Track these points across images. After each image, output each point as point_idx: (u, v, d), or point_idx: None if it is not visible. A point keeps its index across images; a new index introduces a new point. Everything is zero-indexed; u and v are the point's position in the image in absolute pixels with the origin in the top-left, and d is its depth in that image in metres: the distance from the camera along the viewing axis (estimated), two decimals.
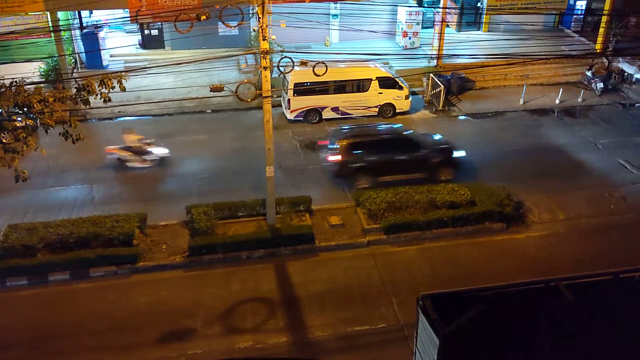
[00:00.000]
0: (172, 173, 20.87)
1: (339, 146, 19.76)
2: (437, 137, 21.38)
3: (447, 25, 28.94)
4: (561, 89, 27.01)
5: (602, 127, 24.71)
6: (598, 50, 29.98)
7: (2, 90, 13.25)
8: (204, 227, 16.84)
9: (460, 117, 25.66)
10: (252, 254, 16.66)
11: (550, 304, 9.04)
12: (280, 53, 16.28)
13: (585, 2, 33.35)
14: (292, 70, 15.91)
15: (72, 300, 15.17)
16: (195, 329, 14.29)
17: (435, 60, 28.15)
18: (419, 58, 28.33)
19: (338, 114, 24.59)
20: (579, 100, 26.83)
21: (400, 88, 24.81)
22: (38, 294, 15.37)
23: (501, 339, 8.87)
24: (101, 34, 28.45)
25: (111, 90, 13.33)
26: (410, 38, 30.72)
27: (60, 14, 25.85)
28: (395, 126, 21.51)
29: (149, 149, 20.97)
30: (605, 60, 28.91)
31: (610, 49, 29.70)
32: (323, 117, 24.49)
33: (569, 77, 28.81)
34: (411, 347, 11.40)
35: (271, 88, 15.98)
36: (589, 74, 28.14)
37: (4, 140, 15.92)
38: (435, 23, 29.82)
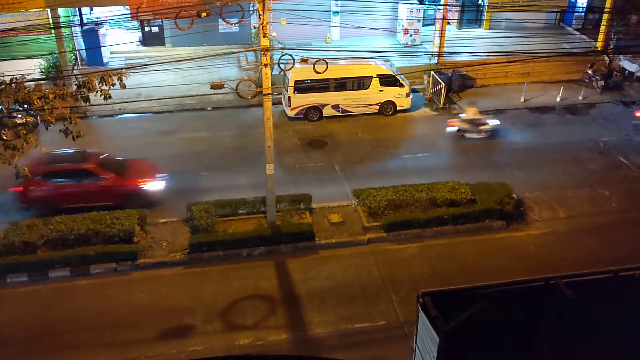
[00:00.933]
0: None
1: None
2: None
3: (448, 23, 28.88)
4: (562, 87, 26.97)
5: (603, 125, 24.68)
6: (599, 48, 29.95)
7: (3, 87, 13.25)
8: (204, 225, 16.84)
9: (461, 115, 25.59)
10: (252, 252, 16.67)
11: (550, 302, 9.03)
12: (281, 50, 16.29)
13: None
14: (292, 67, 15.89)
15: (72, 297, 15.18)
16: (195, 326, 14.30)
17: (436, 58, 28.11)
18: (419, 55, 28.28)
19: (338, 111, 24.58)
20: (580, 98, 26.80)
21: (401, 86, 24.78)
22: (38, 290, 15.38)
23: (501, 336, 8.86)
24: (101, 31, 28.43)
25: (111, 87, 13.33)
26: (411, 35, 30.68)
27: (61, 11, 25.82)
28: None
29: (486, 121, 22.75)
30: (606, 58, 28.86)
31: (612, 46, 29.66)
32: (323, 115, 24.47)
33: (570, 75, 28.75)
34: (411, 344, 11.40)
35: (272, 85, 15.96)
36: (590, 71, 28.10)
37: (4, 137, 15.94)
38: (436, 20, 29.76)
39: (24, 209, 17.99)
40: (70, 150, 18.61)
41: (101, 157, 18.57)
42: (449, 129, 23.18)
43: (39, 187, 17.79)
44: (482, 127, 23.05)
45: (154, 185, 18.56)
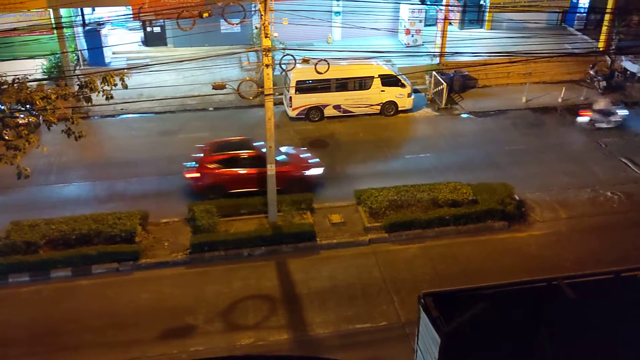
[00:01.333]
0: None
1: None
2: None
3: (450, 23, 28.87)
4: (564, 87, 26.95)
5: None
6: (601, 49, 29.90)
7: (5, 87, 13.27)
8: (206, 225, 16.85)
9: (463, 116, 25.63)
10: (253, 252, 16.68)
11: (551, 303, 9.03)
12: (282, 50, 16.29)
13: (588, 0, 33.25)
14: (294, 67, 15.90)
15: (73, 297, 15.20)
16: (196, 326, 14.31)
17: (437, 58, 28.10)
18: (421, 56, 28.28)
19: (340, 112, 24.57)
20: (582, 98, 26.77)
21: (403, 86, 24.77)
22: (40, 290, 15.40)
23: (502, 337, 8.87)
24: (104, 31, 28.46)
25: (113, 87, 13.36)
26: (412, 35, 30.67)
27: (63, 11, 25.84)
28: None
29: (616, 111, 23.38)
30: (608, 58, 28.82)
31: (613, 47, 29.61)
32: (325, 115, 24.48)
33: (572, 76, 28.74)
34: (412, 345, 11.40)
35: (273, 86, 15.97)
36: (592, 72, 28.08)
37: (6, 138, 15.97)
38: (437, 20, 29.76)
39: (196, 194, 18.77)
40: (237, 138, 20.08)
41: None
42: (580, 119, 23.77)
43: (214, 173, 18.61)
44: (612, 117, 23.54)
45: (315, 171, 19.15)
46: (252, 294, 15.30)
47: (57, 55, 25.88)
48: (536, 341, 8.90)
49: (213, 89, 15.77)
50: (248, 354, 13.49)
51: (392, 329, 14.26)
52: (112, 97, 13.37)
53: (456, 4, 31.47)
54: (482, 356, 8.87)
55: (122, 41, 28.69)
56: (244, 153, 18.80)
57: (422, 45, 30.78)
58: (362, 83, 24.38)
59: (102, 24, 28.86)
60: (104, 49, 27.86)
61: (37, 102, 13.12)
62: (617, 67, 28.50)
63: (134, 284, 15.66)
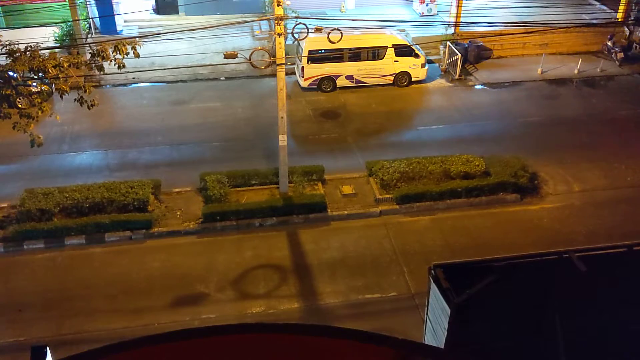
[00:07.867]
0: None
1: None
2: None
3: None
4: (580, 59, 26.49)
5: (621, 98, 24.27)
6: (619, 19, 29.26)
7: (17, 55, 13.25)
8: (218, 195, 16.92)
9: (477, 87, 25.32)
10: (264, 222, 16.75)
11: (562, 276, 9.01)
12: (295, 19, 16.09)
13: None
14: (306, 37, 15.72)
15: (87, 264, 15.41)
16: (208, 294, 14.49)
17: (452, 28, 27.66)
18: (436, 25, 27.85)
19: (352, 82, 24.35)
20: (598, 70, 26.33)
21: (417, 56, 24.46)
22: (54, 257, 15.62)
23: (512, 309, 8.88)
24: None
25: (125, 56, 13.29)
26: (427, 5, 30.14)
27: None
28: None
29: None
30: (626, 29, 28.23)
31: (632, 18, 28.95)
32: (337, 86, 24.28)
33: (589, 47, 28.20)
34: (422, 315, 11.47)
35: (285, 55, 15.81)
36: (609, 43, 27.53)
37: (20, 106, 16.04)
38: None
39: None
40: None
41: None
42: None
43: None
44: None
45: None
46: (263, 264, 15.43)
47: (69, 23, 25.76)
48: (546, 314, 8.91)
49: (225, 58, 15.66)
50: (259, 322, 13.64)
51: (401, 299, 14.36)
52: (124, 66, 13.33)
53: None
54: (491, 328, 8.90)
55: (133, 9, 28.46)
56: None
57: (437, 14, 30.26)
58: (376, 53, 24.09)
59: None
60: (116, 17, 27.68)
61: (50, 70, 13.10)
62: (635, 38, 27.90)
63: (146, 252, 15.83)
